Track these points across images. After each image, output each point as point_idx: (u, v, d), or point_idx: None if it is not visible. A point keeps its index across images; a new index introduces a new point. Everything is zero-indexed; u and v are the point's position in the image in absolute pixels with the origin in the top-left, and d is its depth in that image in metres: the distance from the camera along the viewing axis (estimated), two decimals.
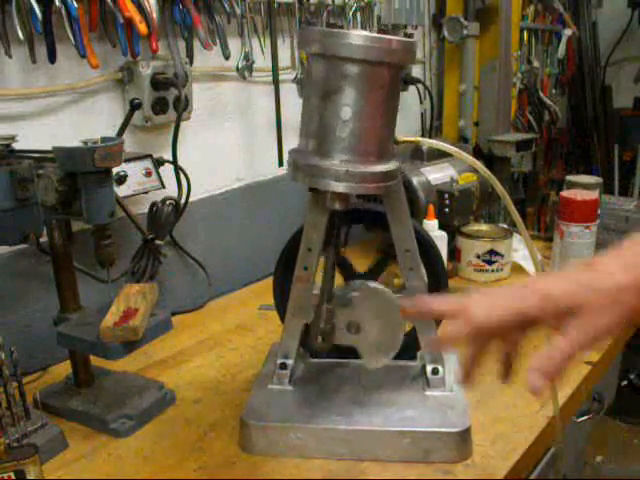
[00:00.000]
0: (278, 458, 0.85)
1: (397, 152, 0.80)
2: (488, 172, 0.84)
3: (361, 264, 0.96)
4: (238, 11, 1.29)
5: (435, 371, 0.90)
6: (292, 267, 0.89)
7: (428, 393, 0.90)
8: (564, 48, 2.62)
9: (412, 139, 0.84)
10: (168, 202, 1.26)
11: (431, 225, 1.35)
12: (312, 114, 0.75)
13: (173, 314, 1.02)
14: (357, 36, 0.70)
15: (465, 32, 1.86)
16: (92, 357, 0.98)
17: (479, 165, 0.85)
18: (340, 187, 0.73)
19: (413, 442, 0.83)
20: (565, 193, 1.25)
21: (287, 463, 0.84)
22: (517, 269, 1.44)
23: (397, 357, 0.94)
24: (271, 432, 0.86)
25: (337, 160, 0.73)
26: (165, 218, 1.25)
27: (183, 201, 1.29)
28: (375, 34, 0.72)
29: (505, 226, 1.53)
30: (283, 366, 0.93)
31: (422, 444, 0.83)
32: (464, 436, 0.83)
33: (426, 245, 0.91)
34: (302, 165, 0.75)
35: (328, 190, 0.75)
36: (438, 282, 0.93)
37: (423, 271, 0.89)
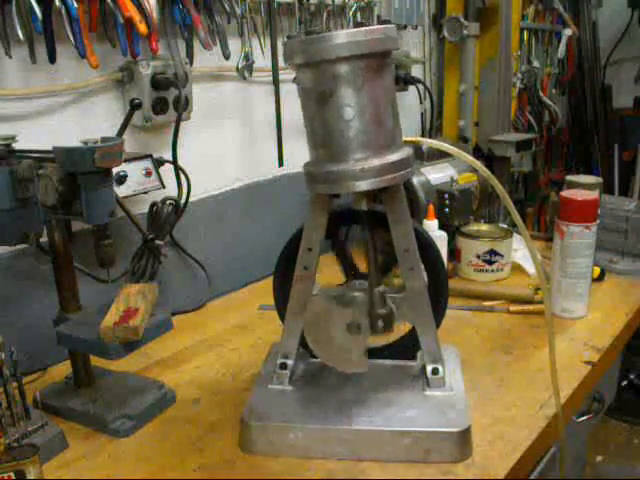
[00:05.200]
0: (278, 458, 0.84)
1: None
2: (488, 172, 0.84)
3: (360, 264, 0.96)
4: (238, 11, 1.29)
5: (435, 371, 0.90)
6: (292, 267, 0.89)
7: (428, 393, 0.90)
8: (564, 48, 2.62)
9: (412, 139, 0.84)
10: (168, 202, 1.26)
11: (431, 225, 1.35)
12: (314, 123, 0.76)
13: (173, 314, 1.02)
14: (337, 35, 0.71)
15: (465, 32, 1.86)
16: (92, 357, 0.98)
17: (479, 165, 0.85)
18: (361, 186, 0.74)
19: (414, 442, 0.83)
20: (565, 193, 1.25)
21: (287, 463, 0.84)
22: (517, 269, 1.44)
23: (397, 357, 0.94)
24: (271, 432, 0.86)
25: (351, 160, 0.74)
26: (165, 218, 1.25)
27: (183, 201, 1.29)
28: (353, 29, 0.72)
29: (505, 226, 1.53)
30: (283, 366, 0.93)
31: (422, 444, 0.83)
32: (464, 436, 0.83)
33: (426, 245, 0.91)
34: (318, 174, 0.76)
35: (350, 192, 0.75)
36: (438, 282, 0.93)
37: (423, 271, 0.89)
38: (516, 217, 0.84)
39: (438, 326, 0.92)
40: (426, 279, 0.90)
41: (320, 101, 0.74)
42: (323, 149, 0.76)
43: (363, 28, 0.72)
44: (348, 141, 0.74)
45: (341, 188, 0.75)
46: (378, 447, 0.84)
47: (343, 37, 0.71)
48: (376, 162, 0.74)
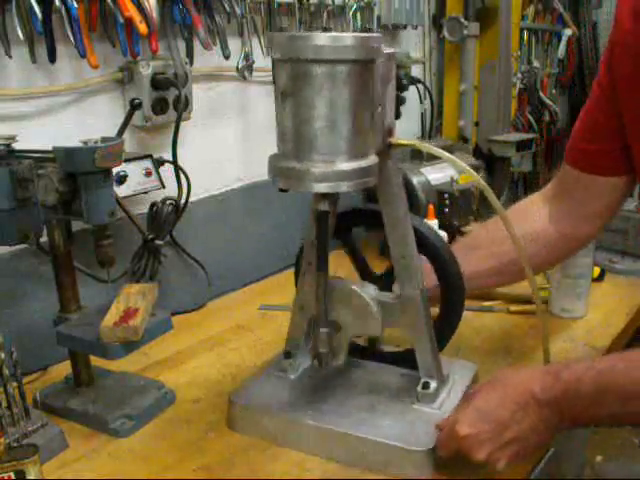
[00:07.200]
0: (278, 458, 0.85)
1: (383, 149, 0.79)
2: (477, 177, 0.83)
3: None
4: (238, 11, 1.29)
5: (425, 385, 0.87)
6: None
7: (415, 407, 0.87)
8: (564, 48, 2.62)
9: (407, 142, 0.83)
10: (168, 202, 1.26)
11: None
12: (283, 118, 0.75)
13: (173, 314, 1.02)
14: (311, 37, 0.71)
15: (465, 32, 1.86)
16: (92, 357, 0.98)
17: (469, 169, 0.83)
18: (319, 187, 0.73)
19: (373, 451, 0.82)
20: None
21: (287, 463, 0.84)
22: None
23: (408, 365, 0.93)
24: (250, 413, 0.90)
25: (312, 161, 0.73)
26: (165, 218, 1.25)
27: (183, 201, 1.28)
28: (331, 34, 0.72)
29: None
30: (287, 355, 0.95)
31: (381, 455, 0.81)
32: (423, 457, 0.80)
33: (430, 247, 0.90)
34: (280, 169, 0.76)
35: (308, 192, 0.75)
36: (449, 285, 0.91)
37: (421, 278, 0.86)
38: (504, 217, 0.82)
39: (446, 342, 0.91)
40: (432, 284, 0.89)
41: (282, 97, 0.74)
42: (288, 145, 0.75)
43: (339, 34, 0.72)
44: (310, 142, 0.73)
45: (299, 186, 0.74)
46: (339, 448, 0.84)
47: (316, 40, 0.71)
48: (334, 167, 0.73)
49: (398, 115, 0.88)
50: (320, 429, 0.85)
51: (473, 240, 1.07)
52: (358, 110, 0.74)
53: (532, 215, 1.01)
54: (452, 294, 0.91)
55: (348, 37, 0.71)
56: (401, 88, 0.89)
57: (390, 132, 0.81)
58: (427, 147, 0.84)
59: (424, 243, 0.90)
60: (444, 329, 0.93)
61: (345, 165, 0.73)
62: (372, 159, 0.76)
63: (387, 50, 0.78)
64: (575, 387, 0.72)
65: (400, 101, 0.88)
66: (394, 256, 0.85)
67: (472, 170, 0.84)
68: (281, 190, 0.77)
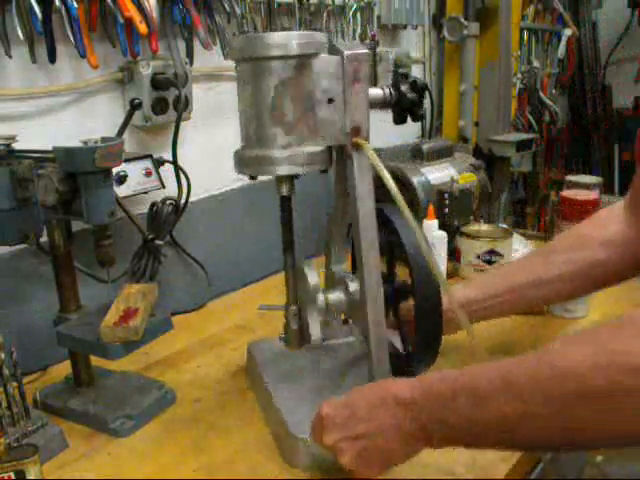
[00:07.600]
0: (278, 457, 0.85)
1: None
2: (397, 191, 0.75)
3: None
4: (238, 11, 1.29)
5: None
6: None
7: None
8: (564, 48, 2.62)
9: (362, 142, 0.79)
10: (168, 202, 1.26)
11: (431, 225, 1.35)
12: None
13: (173, 314, 1.02)
14: (231, 39, 0.81)
15: (465, 32, 1.86)
16: (92, 357, 0.98)
17: (393, 187, 0.78)
18: (236, 167, 0.86)
19: (277, 424, 0.87)
20: (565, 193, 1.25)
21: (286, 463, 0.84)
22: None
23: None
24: (251, 363, 1.03)
25: (242, 149, 0.85)
26: (165, 218, 1.25)
27: (183, 201, 1.29)
28: (248, 34, 0.78)
29: (505, 226, 1.53)
30: None
31: (278, 428, 0.87)
32: (299, 443, 0.81)
33: (410, 271, 0.84)
34: (239, 157, 0.85)
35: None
36: (417, 304, 0.84)
37: (375, 283, 0.82)
38: (402, 205, 0.76)
39: (419, 368, 0.89)
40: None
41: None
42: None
43: (247, 35, 0.78)
44: (241, 128, 0.84)
45: (242, 171, 0.86)
46: (268, 411, 0.92)
47: (237, 41, 0.80)
48: (246, 152, 0.83)
49: (416, 118, 0.87)
50: (265, 391, 0.93)
51: (551, 246, 1.05)
52: (285, 102, 0.79)
53: (609, 220, 1.00)
54: (421, 316, 0.85)
55: (248, 37, 0.79)
56: (418, 91, 0.87)
57: (357, 131, 0.79)
58: (371, 154, 0.78)
59: (407, 263, 0.85)
60: (416, 353, 0.89)
61: (248, 152, 0.82)
62: (312, 148, 0.80)
63: (356, 50, 0.78)
64: (436, 389, 0.68)
65: (408, 102, 0.87)
66: (357, 254, 0.84)
67: (393, 184, 0.76)
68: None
